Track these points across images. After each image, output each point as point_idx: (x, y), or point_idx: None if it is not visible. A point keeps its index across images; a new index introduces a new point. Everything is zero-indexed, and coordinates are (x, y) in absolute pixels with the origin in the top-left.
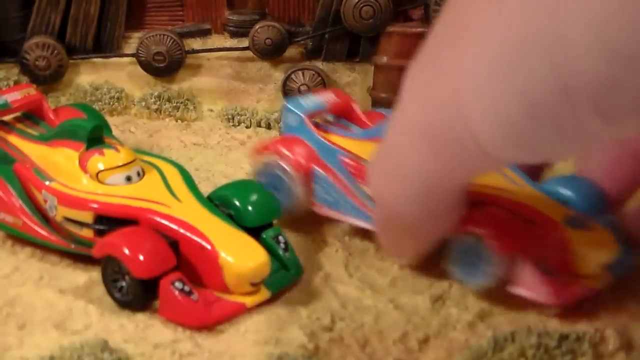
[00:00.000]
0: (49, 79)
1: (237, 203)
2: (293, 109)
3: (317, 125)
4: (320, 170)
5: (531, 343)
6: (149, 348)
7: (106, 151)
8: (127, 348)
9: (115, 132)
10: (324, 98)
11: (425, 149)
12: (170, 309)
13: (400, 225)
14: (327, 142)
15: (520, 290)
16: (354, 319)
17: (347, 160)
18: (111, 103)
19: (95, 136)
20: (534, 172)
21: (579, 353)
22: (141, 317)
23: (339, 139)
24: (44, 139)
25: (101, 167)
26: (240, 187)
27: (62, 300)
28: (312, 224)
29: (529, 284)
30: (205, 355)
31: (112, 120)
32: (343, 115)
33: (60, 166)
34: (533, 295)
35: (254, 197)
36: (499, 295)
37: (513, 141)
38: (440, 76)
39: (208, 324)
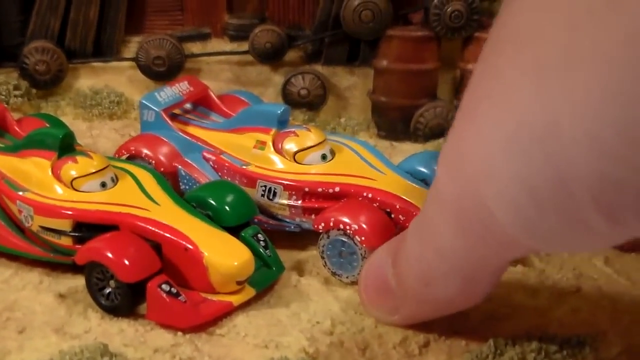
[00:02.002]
0: (48, 83)
1: (214, 203)
2: (149, 104)
3: (175, 117)
4: (184, 169)
5: (532, 347)
6: (149, 352)
7: (79, 158)
8: (126, 352)
9: (114, 136)
10: (179, 89)
11: (457, 228)
12: (158, 312)
13: (421, 296)
14: (188, 138)
15: None
16: (354, 322)
17: (209, 155)
18: (111, 107)
19: (67, 144)
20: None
21: (580, 357)
22: (141, 322)
23: (199, 131)
24: (11, 150)
25: (75, 174)
26: (215, 187)
27: (62, 304)
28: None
29: None
30: (205, 359)
31: (111, 125)
32: (200, 103)
33: (32, 176)
34: None
35: (230, 197)
36: (500, 299)
37: (524, 229)
38: (461, 155)
39: (197, 325)
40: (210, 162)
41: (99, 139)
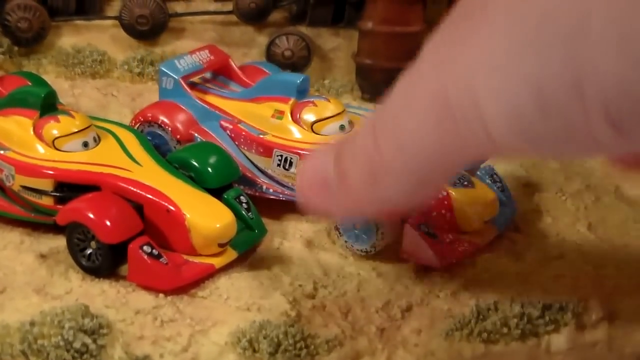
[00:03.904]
0: (31, 41)
1: (197, 165)
2: (168, 72)
3: (194, 85)
4: (201, 137)
5: (514, 312)
6: (130, 314)
7: (61, 117)
8: (108, 314)
9: (97, 95)
10: (199, 58)
11: (432, 120)
12: (139, 274)
13: (364, 195)
14: (206, 106)
15: (407, 256)
16: (337, 286)
17: (226, 124)
18: (93, 66)
19: (49, 103)
20: None
21: (562, 323)
22: (122, 283)
23: (217, 100)
24: None
25: (57, 133)
26: (198, 149)
27: (43, 265)
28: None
29: (413, 249)
30: (187, 321)
31: (94, 84)
32: (221, 73)
33: (13, 135)
34: (419, 259)
35: (213, 159)
36: (484, 264)
37: (519, 132)
38: (458, 49)
39: (179, 287)
40: (228, 131)
41: (81, 98)
